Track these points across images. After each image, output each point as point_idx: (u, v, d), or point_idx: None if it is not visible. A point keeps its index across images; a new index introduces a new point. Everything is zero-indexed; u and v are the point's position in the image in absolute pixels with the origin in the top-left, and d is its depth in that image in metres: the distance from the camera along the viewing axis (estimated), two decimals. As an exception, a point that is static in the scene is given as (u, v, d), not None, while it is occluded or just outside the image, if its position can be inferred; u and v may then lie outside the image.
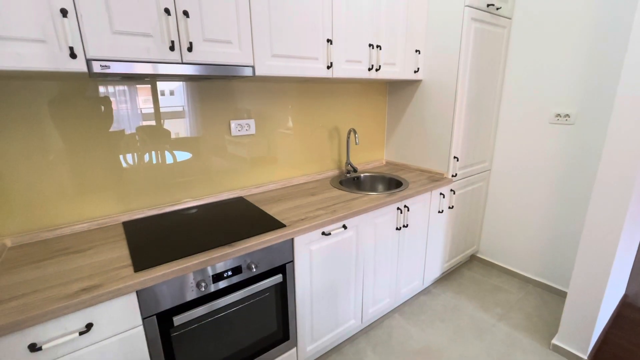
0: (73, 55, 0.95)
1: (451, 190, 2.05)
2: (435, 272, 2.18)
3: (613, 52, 1.72)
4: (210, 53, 1.21)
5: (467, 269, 2.49)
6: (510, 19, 2.07)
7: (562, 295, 2.14)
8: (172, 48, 1.11)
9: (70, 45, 0.94)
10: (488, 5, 1.86)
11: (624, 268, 1.78)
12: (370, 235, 1.64)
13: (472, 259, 2.61)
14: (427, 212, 1.93)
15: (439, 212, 2.01)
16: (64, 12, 0.92)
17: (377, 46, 1.74)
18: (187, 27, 1.14)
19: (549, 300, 2.11)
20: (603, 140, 1.83)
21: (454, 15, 1.80)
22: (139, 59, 1.07)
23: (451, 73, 1.87)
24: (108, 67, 1.00)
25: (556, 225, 2.10)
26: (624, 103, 1.30)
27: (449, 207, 2.09)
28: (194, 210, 1.52)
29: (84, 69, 0.98)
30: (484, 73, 2.01)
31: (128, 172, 1.40)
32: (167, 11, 1.08)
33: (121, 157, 1.37)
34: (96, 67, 0.98)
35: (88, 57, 0.98)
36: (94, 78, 1.26)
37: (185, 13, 1.12)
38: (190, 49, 1.15)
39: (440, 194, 1.98)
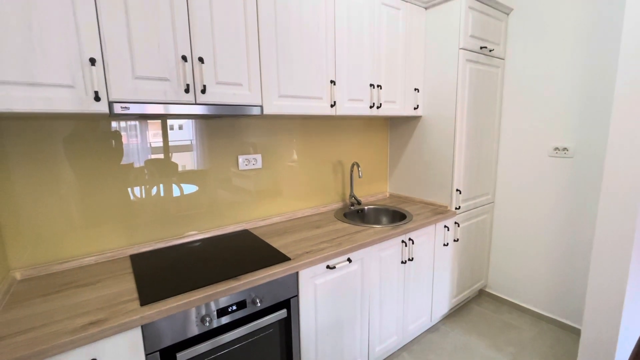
0: (97, 98, 1.03)
1: (455, 222, 2.05)
2: (443, 307, 2.12)
3: (605, 88, 1.81)
4: (222, 94, 1.30)
5: (476, 304, 2.42)
6: (503, 59, 2.20)
7: (577, 332, 2.06)
8: (187, 90, 1.20)
9: (96, 90, 1.03)
10: (481, 48, 1.99)
11: (639, 302, 1.72)
12: (376, 269, 1.63)
13: (481, 294, 2.54)
14: (432, 245, 1.92)
15: (444, 245, 2.00)
16: (92, 61, 1.01)
17: (378, 86, 1.84)
18: (201, 72, 1.23)
19: (563, 338, 2.02)
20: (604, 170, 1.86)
21: (450, 57, 1.92)
22: (156, 100, 1.15)
23: (449, 110, 1.96)
24: (128, 108, 1.08)
25: (563, 258, 2.07)
26: (617, 136, 1.35)
27: (454, 240, 2.08)
28: (200, 243, 1.53)
29: (106, 110, 1.06)
30: (482, 109, 2.10)
31: (136, 205, 1.44)
32: (184, 58, 1.19)
33: (129, 190, 1.42)
34: (117, 109, 1.06)
35: (110, 99, 1.07)
36: (111, 117, 1.35)
37: (201, 59, 1.22)
38: (203, 91, 1.24)
39: (445, 226, 1.98)
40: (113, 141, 1.36)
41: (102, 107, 1.05)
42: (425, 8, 2.00)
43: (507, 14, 2.15)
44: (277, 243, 1.52)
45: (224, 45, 1.28)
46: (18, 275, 1.20)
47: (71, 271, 1.26)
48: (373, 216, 2.17)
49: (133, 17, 1.08)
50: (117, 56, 1.06)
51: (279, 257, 1.34)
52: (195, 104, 1.24)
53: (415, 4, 1.95)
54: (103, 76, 1.05)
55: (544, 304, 2.20)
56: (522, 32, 2.11)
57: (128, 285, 1.13)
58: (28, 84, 0.94)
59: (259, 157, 1.78)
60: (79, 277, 1.20)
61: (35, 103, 0.95)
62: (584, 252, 1.98)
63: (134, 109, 1.09)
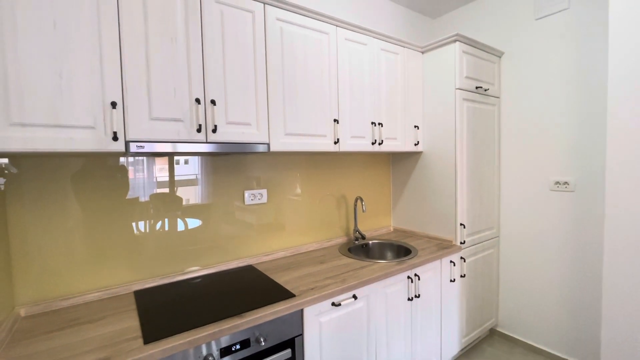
0: (115, 138, 1.10)
1: (461, 257, 2.03)
2: (453, 348, 2.03)
3: (599, 123, 1.87)
4: (232, 133, 1.37)
5: (487, 345, 2.31)
6: (498, 97, 2.30)
7: (597, 377, 1.94)
8: (199, 130, 1.28)
9: (115, 130, 1.10)
10: (477, 87, 2.10)
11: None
12: (382, 306, 1.59)
13: (492, 334, 2.44)
14: (438, 281, 1.89)
15: (450, 281, 1.97)
16: (113, 105, 1.09)
17: (379, 124, 1.92)
18: (213, 113, 1.31)
19: (583, 383, 1.90)
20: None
21: (447, 97, 2.02)
22: (169, 139, 1.22)
23: (449, 145, 2.02)
24: (143, 147, 1.14)
25: (573, 294, 2.01)
26: (614, 170, 1.38)
27: (461, 276, 2.05)
28: (204, 279, 1.53)
29: (122, 149, 1.12)
30: (481, 145, 2.16)
31: (140, 239, 1.46)
32: (197, 100, 1.27)
33: (134, 224, 1.45)
34: (133, 148, 1.12)
35: (127, 139, 1.13)
36: (125, 154, 1.41)
37: (213, 102, 1.31)
38: (214, 131, 1.31)
39: (451, 261, 1.96)
40: (119, 175, 1.41)
41: (119, 147, 1.11)
42: (422, 52, 2.14)
43: (499, 57, 2.29)
44: (281, 279, 1.51)
45: (234, 88, 1.37)
46: (22, 312, 1.19)
47: (75, 307, 1.26)
48: (378, 251, 2.15)
49: (153, 64, 1.18)
50: (136, 99, 1.15)
51: (284, 294, 1.33)
52: (206, 142, 1.30)
53: (412, 49, 2.09)
54: (122, 118, 1.12)
55: (558, 345, 2.10)
56: (514, 73, 2.23)
57: (132, 322, 1.12)
58: (53, 126, 1.01)
59: (264, 192, 1.82)
60: (82, 314, 1.19)
61: (57, 143, 1.01)
62: (593, 288, 1.93)
63: (149, 148, 1.15)
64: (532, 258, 2.20)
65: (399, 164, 2.40)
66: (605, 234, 1.42)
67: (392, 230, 2.47)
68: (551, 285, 2.11)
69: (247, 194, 1.76)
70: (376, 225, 2.40)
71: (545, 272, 2.13)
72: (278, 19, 1.50)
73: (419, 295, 1.75)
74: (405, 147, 2.09)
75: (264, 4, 1.45)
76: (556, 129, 2.04)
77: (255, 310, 1.19)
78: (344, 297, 1.43)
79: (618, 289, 1.40)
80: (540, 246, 2.15)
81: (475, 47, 2.07)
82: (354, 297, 1.46)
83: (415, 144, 2.15)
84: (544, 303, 2.15)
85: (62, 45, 1.02)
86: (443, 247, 1.97)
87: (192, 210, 1.60)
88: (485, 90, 2.15)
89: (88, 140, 1.06)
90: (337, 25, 1.71)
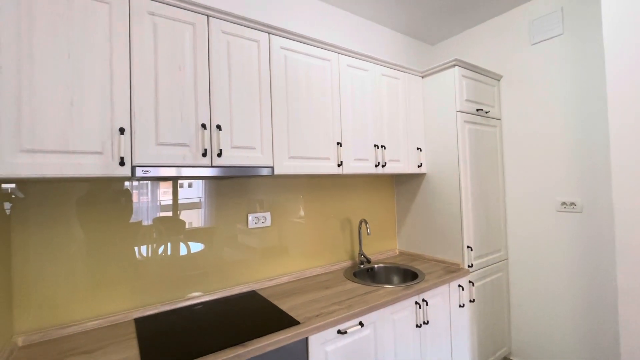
0: (122, 163, 1.11)
1: (470, 281, 1.98)
2: (465, 379, 1.93)
3: (601, 142, 1.87)
4: (236, 157, 1.39)
5: (502, 375, 2.19)
6: (499, 119, 2.33)
7: (622, 411, 1.82)
8: (204, 154, 1.29)
9: (122, 156, 1.11)
10: (477, 110, 2.13)
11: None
12: (389, 333, 1.53)
13: (506, 363, 2.32)
14: (447, 306, 1.83)
15: (460, 306, 1.90)
16: (121, 130, 1.11)
17: (382, 146, 1.94)
18: (218, 138, 1.33)
19: (606, 417, 1.78)
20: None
21: (448, 119, 2.04)
22: (175, 164, 1.23)
23: (453, 167, 2.02)
24: (149, 171, 1.15)
25: (588, 318, 1.93)
26: (620, 191, 1.36)
27: (470, 301, 1.98)
28: (206, 305, 1.49)
29: (129, 174, 1.13)
30: (484, 166, 2.16)
31: (142, 264, 1.44)
32: (203, 126, 1.30)
33: (136, 249, 1.43)
34: (139, 172, 1.13)
35: (134, 164, 1.15)
36: (131, 179, 1.42)
37: (219, 127, 1.33)
38: (219, 155, 1.33)
39: (459, 286, 1.90)
40: (124, 199, 1.41)
41: (125, 171, 1.12)
42: (422, 77, 2.20)
43: (498, 80, 2.34)
44: (285, 305, 1.47)
45: (240, 113, 1.40)
46: (20, 341, 1.16)
47: (74, 336, 1.22)
48: (384, 275, 2.10)
49: (161, 91, 1.22)
50: (144, 125, 1.17)
51: (288, 321, 1.29)
52: (211, 166, 1.31)
53: (412, 74, 2.14)
54: (129, 143, 1.14)
55: (577, 375, 1.98)
56: (513, 95, 2.27)
57: (132, 352, 1.08)
58: (62, 152, 1.03)
59: (268, 215, 1.81)
60: (81, 344, 1.16)
61: (66, 169, 1.02)
62: (608, 311, 1.85)
63: (155, 172, 1.16)
64: (540, 280, 2.13)
65: (403, 186, 2.39)
66: (617, 261, 1.38)
67: (397, 253, 2.42)
68: (563, 309, 2.03)
69: (250, 217, 1.75)
70: (381, 249, 2.36)
71: (558, 297, 2.06)
72: (282, 48, 1.55)
73: (427, 321, 1.69)
74: (409, 169, 2.09)
75: (269, 34, 1.51)
76: (558, 150, 2.05)
77: (258, 339, 1.15)
78: (350, 324, 1.39)
79: (636, 322, 1.34)
80: (551, 269, 2.09)
81: (473, 71, 2.12)
82: (361, 324, 1.41)
83: (419, 166, 2.15)
84: (557, 328, 2.06)
85: (75, 74, 1.06)
86: (450, 270, 1.93)
87: (195, 234, 1.59)
88: (486, 112, 2.18)
89: (95, 165, 1.07)
90: (338, 53, 1.77)
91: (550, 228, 2.09)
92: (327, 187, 2.08)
